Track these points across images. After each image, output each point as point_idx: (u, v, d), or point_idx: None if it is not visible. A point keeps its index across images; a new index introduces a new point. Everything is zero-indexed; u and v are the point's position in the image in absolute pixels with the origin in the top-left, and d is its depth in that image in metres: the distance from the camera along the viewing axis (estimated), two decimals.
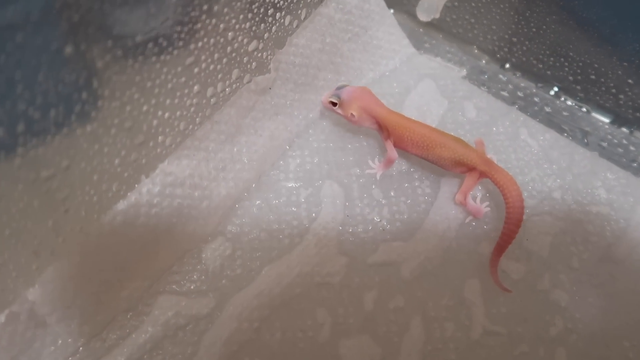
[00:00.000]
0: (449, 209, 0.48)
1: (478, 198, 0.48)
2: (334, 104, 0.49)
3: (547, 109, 0.57)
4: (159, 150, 0.42)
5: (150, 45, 0.35)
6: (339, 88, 0.49)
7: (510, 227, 0.43)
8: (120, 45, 0.33)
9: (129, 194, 0.41)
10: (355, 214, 0.48)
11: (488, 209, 0.47)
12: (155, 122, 0.40)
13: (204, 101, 0.43)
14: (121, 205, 0.40)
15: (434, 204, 0.49)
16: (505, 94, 0.58)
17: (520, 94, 0.58)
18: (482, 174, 0.46)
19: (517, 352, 0.41)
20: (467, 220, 0.48)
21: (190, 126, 0.44)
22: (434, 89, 0.57)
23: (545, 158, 0.52)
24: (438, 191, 0.49)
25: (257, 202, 0.48)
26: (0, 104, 0.28)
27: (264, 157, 0.50)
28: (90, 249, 0.40)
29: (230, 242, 0.46)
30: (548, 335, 0.42)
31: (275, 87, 0.50)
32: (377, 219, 0.48)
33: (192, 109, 0.42)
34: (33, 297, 0.37)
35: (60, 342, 0.40)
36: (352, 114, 0.48)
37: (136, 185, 0.41)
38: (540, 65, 0.57)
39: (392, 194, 0.49)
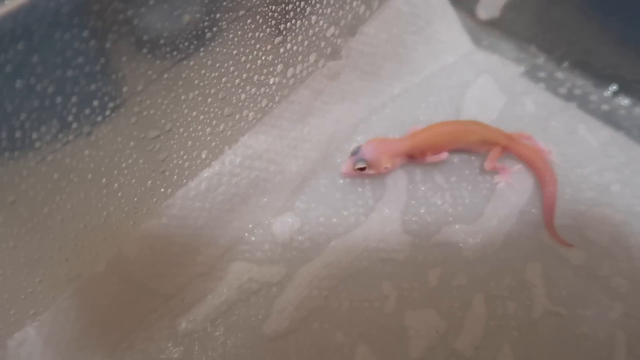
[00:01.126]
0: (510, 195, 0.50)
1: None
2: (363, 169, 0.47)
3: (605, 107, 0.58)
4: (242, 124, 0.44)
5: (249, 21, 0.38)
6: (354, 153, 0.48)
7: (549, 188, 0.48)
8: (225, 18, 0.36)
9: (213, 162, 0.44)
10: (419, 197, 0.50)
11: (518, 167, 0.51)
12: (243, 96, 0.42)
13: (284, 81, 0.46)
14: (206, 172, 0.43)
15: (494, 191, 0.50)
16: (563, 90, 0.59)
17: (577, 91, 0.59)
18: (505, 149, 0.50)
19: (578, 333, 0.42)
20: (526, 208, 0.49)
21: (270, 104, 0.46)
22: (492, 84, 0.59)
23: (603, 153, 0.53)
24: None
25: (324, 181, 0.51)
26: (128, 63, 0.31)
27: (330, 139, 0.53)
28: (176, 213, 0.43)
29: (298, 217, 0.49)
30: (608, 319, 0.43)
31: (344, 74, 0.53)
32: (439, 202, 0.50)
33: (274, 87, 0.45)
34: (127, 252, 0.40)
35: (142, 298, 0.43)
36: (386, 167, 0.48)
37: (220, 156, 0.44)
38: (599, 64, 0.58)
39: (453, 179, 0.51)
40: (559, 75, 0.61)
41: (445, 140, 0.49)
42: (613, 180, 0.51)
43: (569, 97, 0.59)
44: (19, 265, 0.32)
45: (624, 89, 0.58)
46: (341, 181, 0.51)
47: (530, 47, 0.62)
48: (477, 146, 0.50)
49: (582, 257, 0.46)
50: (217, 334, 0.42)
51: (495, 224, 0.48)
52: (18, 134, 0.28)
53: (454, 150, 0.51)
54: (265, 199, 0.48)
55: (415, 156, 0.50)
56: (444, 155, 0.50)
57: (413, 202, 0.50)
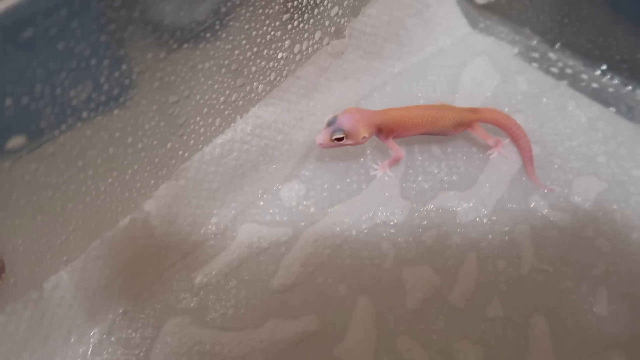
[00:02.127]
0: (502, 165, 0.53)
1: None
2: (340, 139, 0.47)
3: (594, 85, 0.61)
4: (252, 95, 0.48)
5: None
6: (330, 123, 0.47)
7: (522, 140, 0.52)
8: None
9: (226, 130, 0.47)
10: (416, 166, 0.54)
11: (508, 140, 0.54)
12: (253, 68, 0.46)
13: (291, 56, 0.50)
14: (219, 139, 0.47)
15: (488, 161, 0.54)
16: (554, 70, 0.62)
17: (568, 71, 0.62)
18: (477, 121, 0.53)
19: (562, 287, 0.46)
20: (517, 177, 0.53)
21: (278, 77, 0.50)
22: (487, 64, 0.63)
23: (591, 127, 0.56)
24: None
25: (328, 152, 0.54)
26: (153, 31, 0.35)
27: (334, 114, 0.56)
28: (192, 175, 0.47)
29: (304, 184, 0.52)
30: (591, 275, 0.46)
31: (347, 53, 0.57)
32: (436, 170, 0.53)
33: (282, 62, 0.49)
34: (149, 209, 0.44)
35: (162, 253, 0.47)
36: (364, 137, 0.47)
37: (232, 124, 0.48)
38: (590, 45, 0.62)
39: (449, 150, 0.54)
40: (551, 55, 0.64)
41: (418, 122, 0.50)
42: (599, 152, 0.54)
43: (560, 76, 0.62)
44: (56, 213, 0.36)
45: (613, 69, 0.61)
46: (344, 152, 0.54)
47: (525, 30, 0.66)
48: (451, 129, 0.51)
49: (568, 221, 0.50)
50: (230, 286, 0.46)
51: (487, 190, 0.52)
52: (58, 91, 0.32)
53: (427, 134, 0.52)
54: (274, 166, 0.51)
55: (383, 131, 0.50)
56: (400, 153, 0.51)
57: (411, 171, 0.53)
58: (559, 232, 0.49)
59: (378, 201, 0.51)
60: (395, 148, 0.51)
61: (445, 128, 0.51)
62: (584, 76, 0.62)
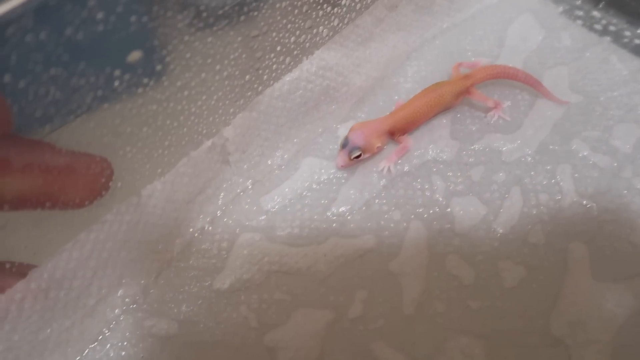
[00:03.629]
0: (546, 110, 0.57)
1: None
2: (359, 156, 0.51)
3: (637, 42, 0.64)
4: (317, 38, 0.53)
5: None
6: (344, 145, 0.51)
7: (520, 74, 0.56)
8: None
9: (293, 69, 0.52)
10: (464, 111, 0.58)
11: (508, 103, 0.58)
12: (320, 12, 0.51)
13: (353, 4, 0.54)
14: (288, 77, 0.52)
15: (532, 107, 0.57)
16: (598, 27, 0.65)
17: (612, 28, 0.65)
18: (473, 85, 0.56)
19: (600, 219, 0.50)
20: (560, 121, 0.56)
21: (340, 24, 0.54)
22: (532, 21, 0.66)
23: (632, 79, 0.59)
24: (536, 98, 0.58)
25: (382, 97, 0.59)
26: None
27: (387, 62, 0.61)
28: (263, 109, 0.52)
29: None
30: (629, 209, 0.50)
31: (401, 6, 0.61)
32: (482, 115, 0.57)
33: (344, 9, 0.53)
34: (227, 135, 0.49)
35: (233, 179, 0.52)
36: (378, 146, 0.52)
37: (299, 64, 0.53)
38: (634, 3, 0.64)
39: (495, 97, 0.58)
40: (595, 14, 0.66)
41: (423, 112, 0.54)
42: None
43: (603, 32, 0.65)
44: (157, 127, 0.42)
45: None
46: (396, 97, 0.59)
47: None
48: (453, 102, 0.55)
49: (608, 162, 0.53)
50: (294, 209, 0.52)
51: (531, 133, 0.55)
52: (169, 14, 0.37)
53: (435, 115, 0.56)
54: (333, 107, 0.56)
55: (396, 133, 0.53)
56: (410, 143, 0.54)
57: (459, 115, 0.57)
58: (599, 172, 0.53)
59: (428, 140, 0.55)
60: (405, 140, 0.54)
61: (448, 103, 0.55)
62: (627, 33, 0.64)
